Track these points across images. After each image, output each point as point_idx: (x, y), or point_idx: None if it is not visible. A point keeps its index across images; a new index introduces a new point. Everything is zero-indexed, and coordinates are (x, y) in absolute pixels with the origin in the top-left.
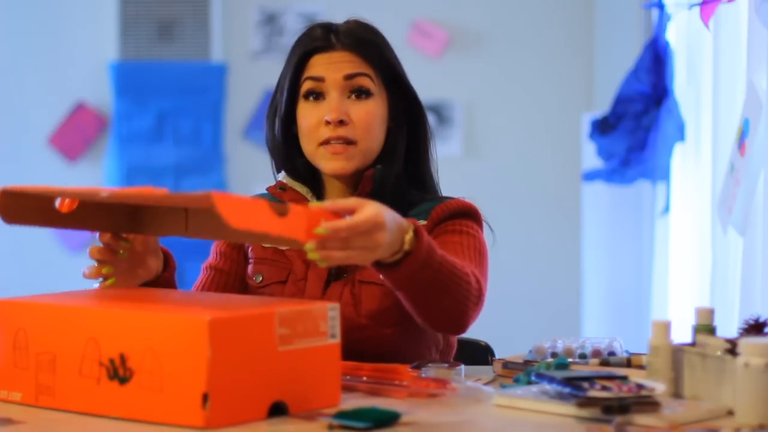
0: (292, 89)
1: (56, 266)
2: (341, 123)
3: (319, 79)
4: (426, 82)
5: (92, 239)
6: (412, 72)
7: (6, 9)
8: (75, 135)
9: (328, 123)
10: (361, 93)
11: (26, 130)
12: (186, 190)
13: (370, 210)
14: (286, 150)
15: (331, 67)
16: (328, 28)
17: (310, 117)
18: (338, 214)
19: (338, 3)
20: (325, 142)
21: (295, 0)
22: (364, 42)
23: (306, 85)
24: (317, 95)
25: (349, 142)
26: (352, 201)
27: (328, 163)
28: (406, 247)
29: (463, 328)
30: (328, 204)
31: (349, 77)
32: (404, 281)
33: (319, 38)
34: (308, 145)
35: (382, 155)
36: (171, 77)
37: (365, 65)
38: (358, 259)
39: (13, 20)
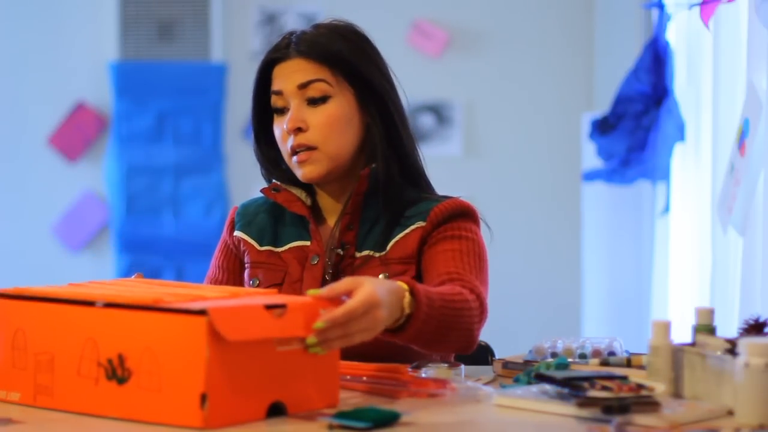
0: (256, 101)
1: (56, 266)
2: (299, 130)
3: (278, 93)
4: (426, 82)
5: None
6: (412, 72)
7: (6, 9)
8: (75, 135)
9: (288, 133)
10: (317, 100)
11: (26, 130)
12: (186, 191)
13: (365, 292)
14: (267, 159)
15: (286, 79)
16: (291, 36)
17: (278, 130)
18: (335, 299)
19: (338, 3)
20: (294, 153)
21: (295, 0)
22: (317, 45)
23: (272, 101)
24: (281, 110)
25: (309, 148)
26: (347, 282)
27: (299, 171)
28: (407, 310)
29: (472, 347)
30: (325, 291)
31: (302, 86)
32: (412, 338)
33: (280, 48)
34: (285, 157)
35: (367, 151)
36: (171, 77)
37: (320, 69)
38: (360, 340)
39: (13, 20)
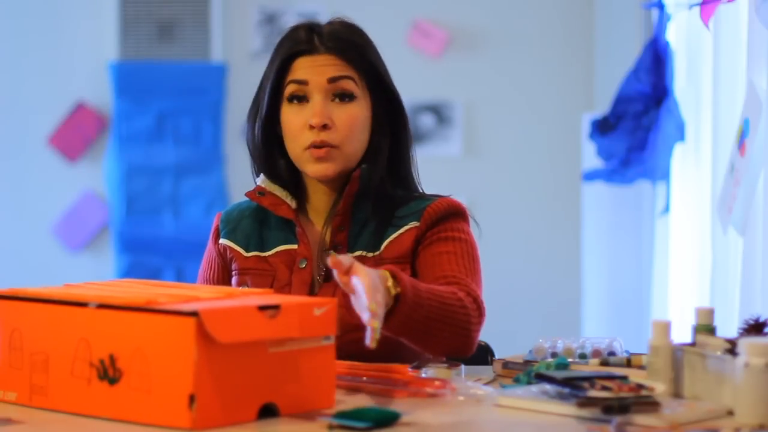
0: (274, 92)
1: (56, 266)
2: (325, 127)
3: (302, 82)
4: (426, 82)
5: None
6: (412, 72)
7: (6, 9)
8: (75, 135)
9: (312, 127)
10: (345, 96)
11: (26, 130)
12: (186, 191)
13: (362, 271)
14: (267, 152)
15: (314, 70)
16: (311, 30)
17: (294, 120)
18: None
19: (338, 3)
20: (310, 147)
21: (295, 0)
22: (348, 44)
23: (290, 88)
24: (301, 98)
25: (331, 146)
26: (348, 260)
27: (313, 166)
28: (392, 291)
29: (471, 349)
30: (345, 263)
31: (333, 80)
32: (400, 327)
33: (303, 41)
34: (294, 149)
35: (366, 156)
36: (171, 77)
37: (349, 68)
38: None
39: (13, 20)
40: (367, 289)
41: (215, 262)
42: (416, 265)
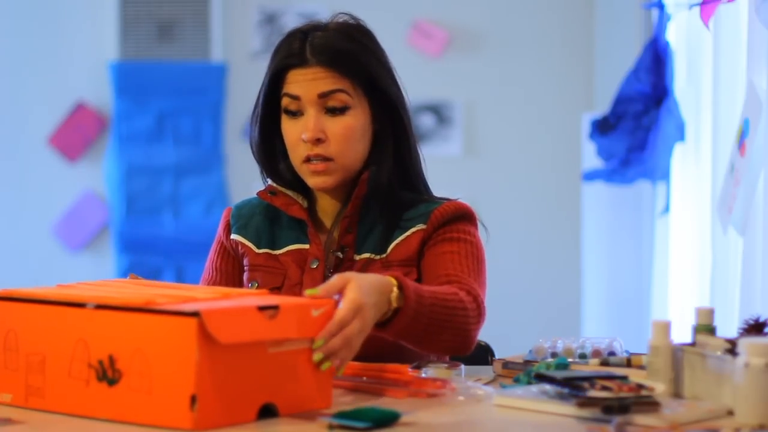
0: (267, 101)
1: (56, 266)
2: (318, 141)
3: (295, 97)
4: (426, 82)
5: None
6: (412, 72)
7: (6, 9)
8: (75, 135)
9: (305, 141)
10: (336, 110)
11: (26, 130)
12: (186, 191)
13: (349, 298)
14: (267, 157)
15: (306, 85)
16: (304, 39)
17: (291, 133)
18: (329, 298)
19: (338, 3)
20: (306, 160)
21: (295, 0)
22: (339, 54)
23: (284, 101)
24: (295, 112)
25: (326, 159)
26: (338, 280)
27: (311, 179)
28: (394, 304)
29: (469, 349)
30: (321, 291)
31: (323, 95)
32: (401, 333)
33: (295, 53)
34: (293, 160)
35: (372, 158)
36: (171, 77)
37: (341, 80)
38: (360, 342)
39: (13, 20)
40: (335, 322)
41: (229, 256)
42: (421, 265)
